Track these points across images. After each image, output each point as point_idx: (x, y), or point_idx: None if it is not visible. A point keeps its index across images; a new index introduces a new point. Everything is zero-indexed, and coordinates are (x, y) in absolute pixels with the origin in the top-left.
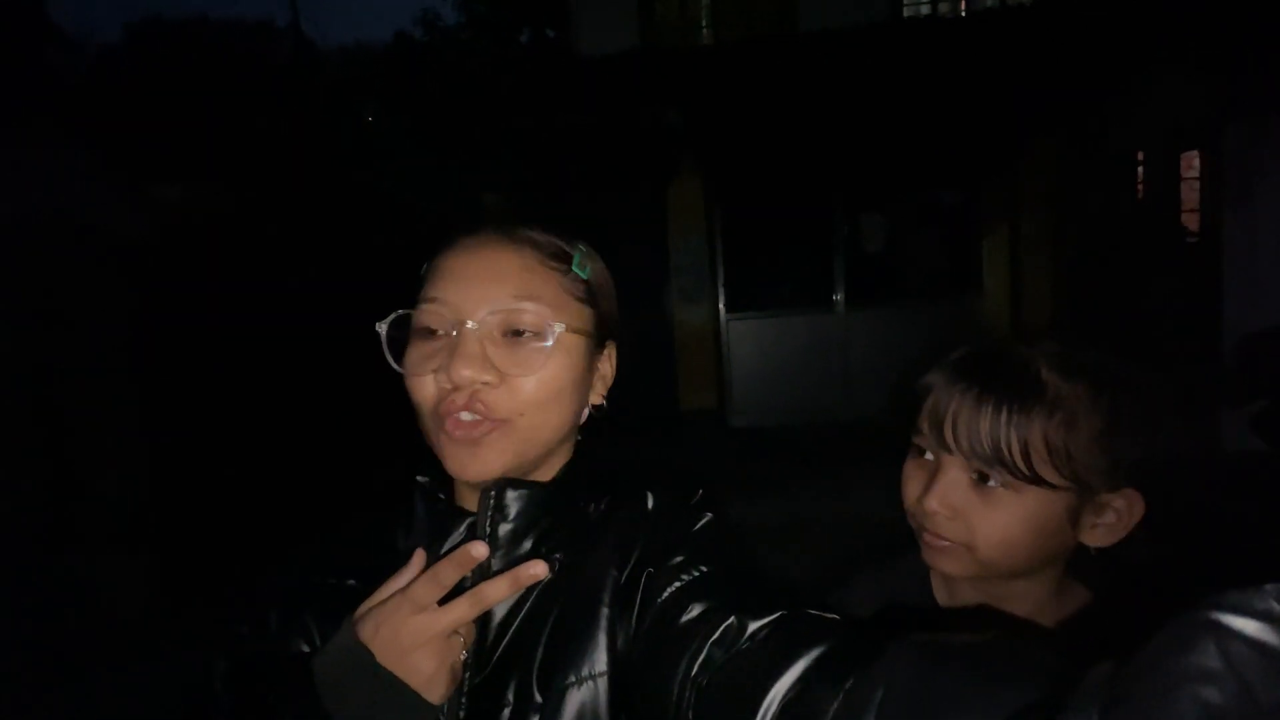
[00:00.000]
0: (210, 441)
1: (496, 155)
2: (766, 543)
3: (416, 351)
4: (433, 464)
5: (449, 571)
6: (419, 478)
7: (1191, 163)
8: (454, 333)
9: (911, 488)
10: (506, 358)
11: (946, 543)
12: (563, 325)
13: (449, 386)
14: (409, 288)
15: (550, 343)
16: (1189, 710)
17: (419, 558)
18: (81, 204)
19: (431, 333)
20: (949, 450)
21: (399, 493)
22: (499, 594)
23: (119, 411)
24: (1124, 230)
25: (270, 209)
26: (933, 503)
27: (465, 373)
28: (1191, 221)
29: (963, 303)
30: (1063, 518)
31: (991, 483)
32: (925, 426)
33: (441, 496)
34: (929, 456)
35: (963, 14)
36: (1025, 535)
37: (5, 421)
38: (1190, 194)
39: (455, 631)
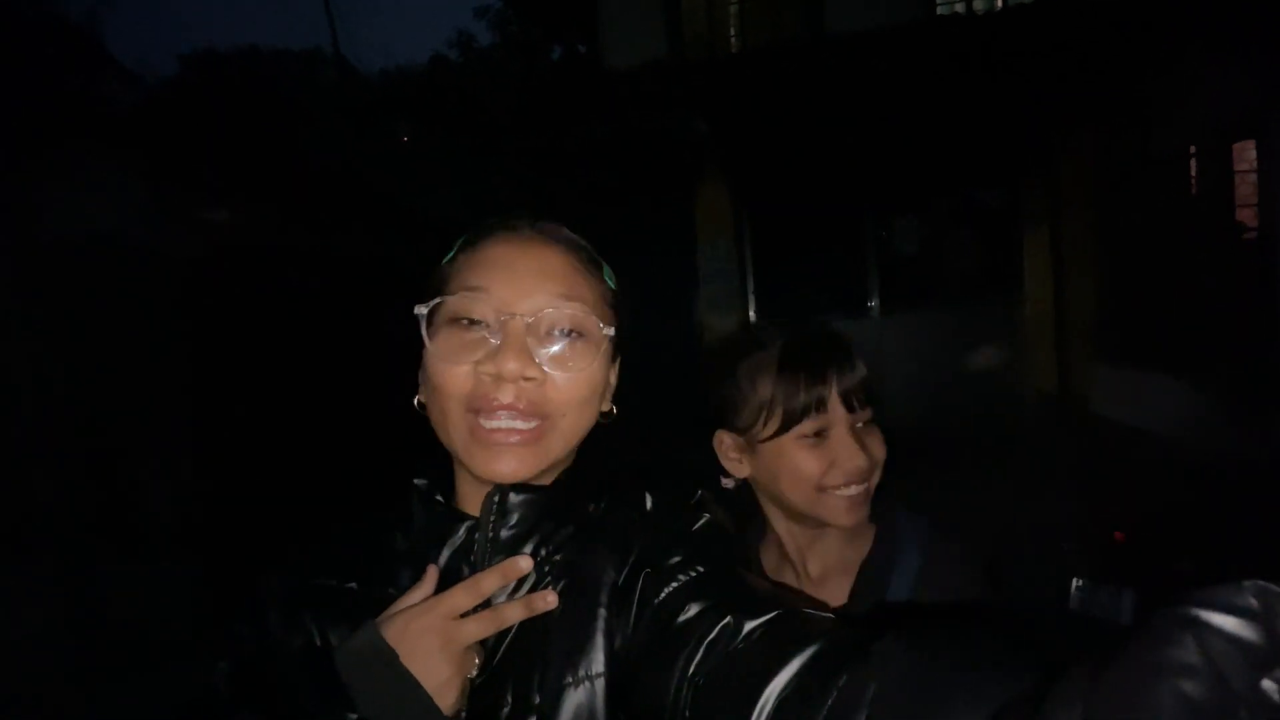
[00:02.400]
0: (251, 452)
1: (529, 167)
2: None
3: (453, 339)
4: (430, 466)
5: (491, 581)
6: (416, 481)
7: (1245, 154)
8: (500, 325)
9: (814, 465)
10: (553, 356)
11: (865, 486)
12: (612, 328)
13: (490, 379)
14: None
15: (602, 344)
16: (1169, 702)
17: (432, 572)
18: (135, 225)
19: (472, 322)
20: (852, 410)
21: (396, 495)
22: (516, 616)
23: (165, 423)
24: (1175, 228)
25: (312, 227)
26: (858, 460)
27: (513, 365)
28: (1248, 217)
29: (1003, 306)
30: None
31: (870, 419)
32: (815, 411)
33: (439, 499)
34: (818, 435)
35: (998, 8)
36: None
37: (55, 432)
38: (1246, 188)
39: (470, 648)
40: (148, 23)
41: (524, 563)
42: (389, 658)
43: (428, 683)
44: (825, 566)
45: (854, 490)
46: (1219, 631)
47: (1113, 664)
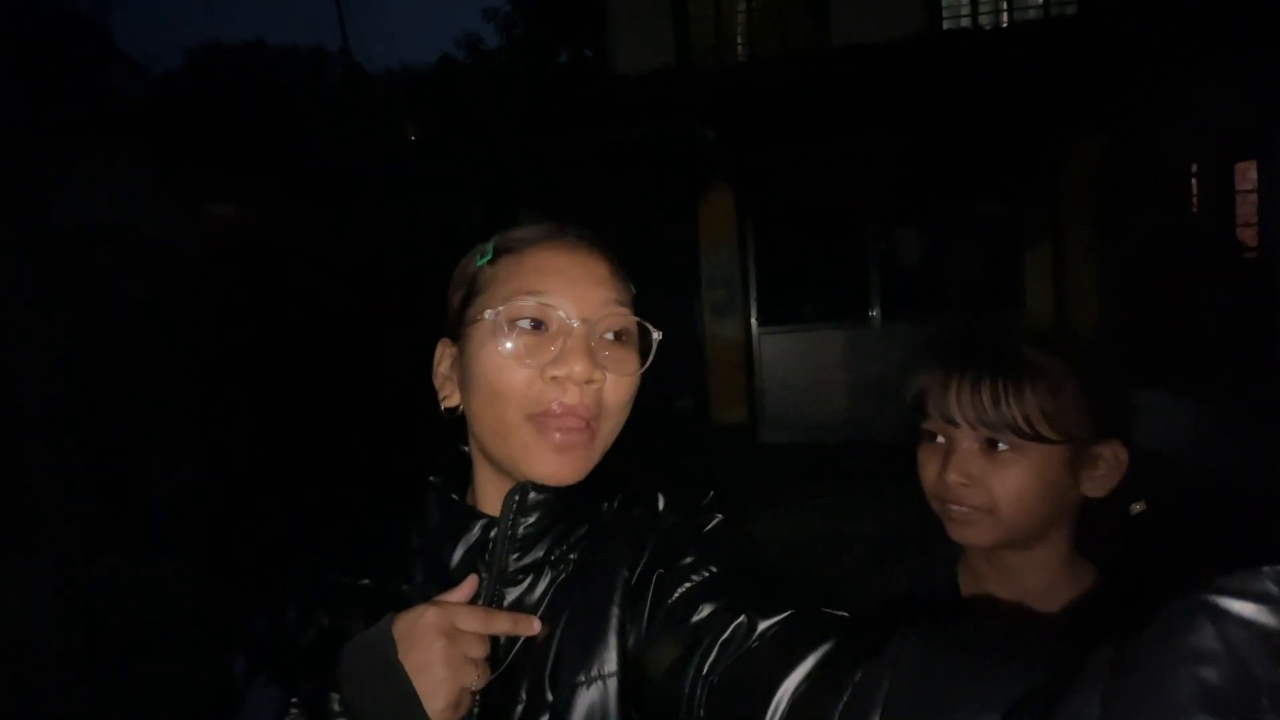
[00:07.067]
0: (253, 448)
1: (534, 171)
2: (798, 560)
3: (515, 343)
4: (444, 464)
5: (502, 623)
6: (432, 478)
7: (1247, 174)
8: (563, 328)
9: (929, 469)
10: (609, 358)
11: (968, 509)
12: (660, 331)
13: (555, 382)
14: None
15: (653, 346)
16: (1188, 690)
17: (472, 581)
18: (139, 218)
19: (536, 327)
20: (957, 424)
21: (409, 492)
22: (502, 629)
23: (165, 417)
24: (1176, 244)
25: (317, 223)
26: (952, 475)
27: (580, 368)
28: (1248, 236)
29: (1004, 317)
30: (1062, 470)
31: (1001, 446)
32: (933, 410)
33: (454, 497)
34: (940, 439)
35: (1004, 25)
36: (1035, 488)
37: (56, 426)
38: (1247, 208)
39: (471, 661)
40: (155, 17)
41: (537, 624)
42: (386, 647)
43: (419, 679)
44: (1010, 588)
45: (954, 510)
46: (1238, 618)
47: (1132, 652)
